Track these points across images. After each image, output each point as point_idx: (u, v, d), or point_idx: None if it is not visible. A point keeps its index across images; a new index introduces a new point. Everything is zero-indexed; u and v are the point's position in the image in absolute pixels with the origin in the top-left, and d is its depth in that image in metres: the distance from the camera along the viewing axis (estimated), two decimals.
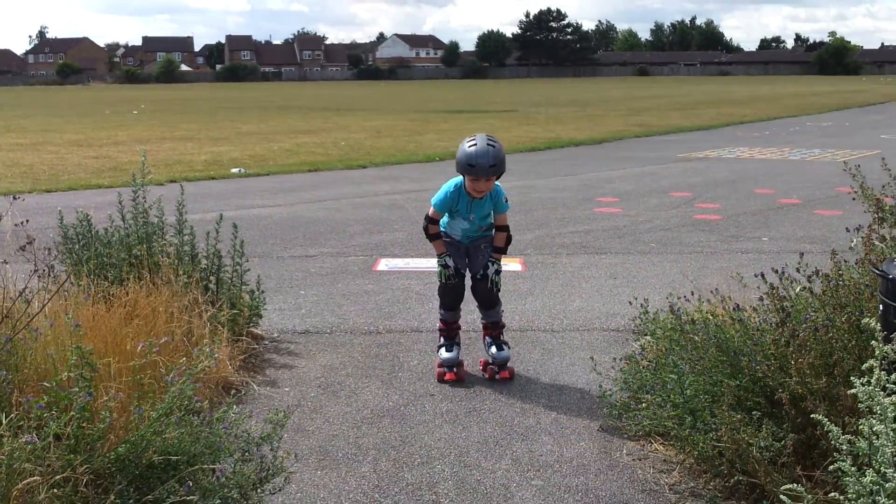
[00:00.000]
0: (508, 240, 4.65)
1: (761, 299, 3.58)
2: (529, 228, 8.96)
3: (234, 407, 2.96)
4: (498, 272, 4.63)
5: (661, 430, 3.65)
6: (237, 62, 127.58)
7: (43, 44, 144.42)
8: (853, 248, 3.94)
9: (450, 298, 4.69)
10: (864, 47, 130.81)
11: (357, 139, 20.90)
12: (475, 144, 4.28)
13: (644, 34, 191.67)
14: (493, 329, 4.74)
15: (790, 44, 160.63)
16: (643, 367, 3.89)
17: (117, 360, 3.54)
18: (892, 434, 2.25)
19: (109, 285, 4.73)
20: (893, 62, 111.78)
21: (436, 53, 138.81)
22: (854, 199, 4.55)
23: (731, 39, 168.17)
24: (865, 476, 2.23)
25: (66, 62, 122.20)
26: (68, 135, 23.07)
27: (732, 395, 3.25)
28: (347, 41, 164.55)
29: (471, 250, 4.68)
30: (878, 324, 2.58)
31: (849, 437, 2.34)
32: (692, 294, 4.24)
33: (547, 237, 8.59)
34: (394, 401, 4.39)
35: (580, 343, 5.28)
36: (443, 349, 4.67)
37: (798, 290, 3.65)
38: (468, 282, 4.74)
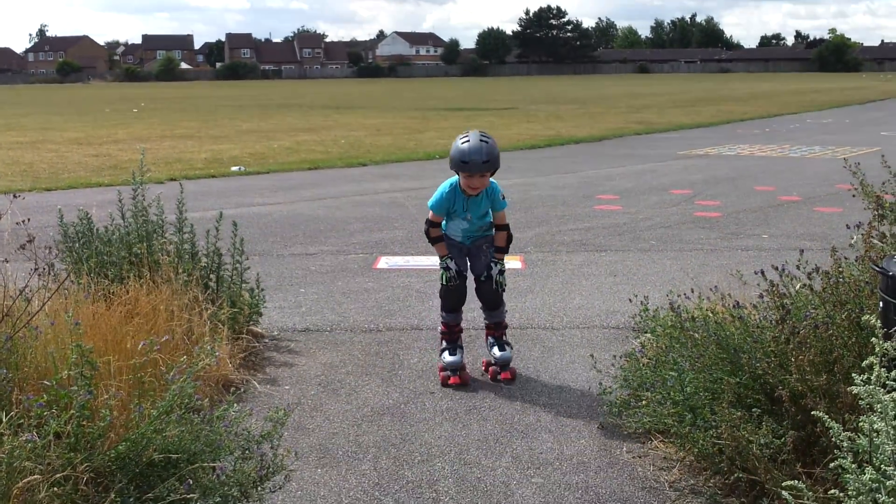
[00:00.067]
0: (509, 238, 4.63)
1: (761, 296, 3.58)
2: (530, 226, 8.96)
3: (235, 405, 2.96)
4: (502, 272, 4.61)
5: (661, 427, 3.65)
6: (237, 60, 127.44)
7: (43, 42, 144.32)
8: (853, 245, 3.94)
9: (452, 301, 4.65)
10: (865, 44, 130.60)
11: (357, 137, 20.89)
12: (468, 141, 4.28)
13: (644, 31, 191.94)
14: (496, 330, 4.72)
15: (790, 41, 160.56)
16: (643, 365, 3.88)
17: (117, 358, 3.54)
18: (892, 432, 2.25)
19: (109, 283, 4.74)
20: (893, 59, 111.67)
21: (436, 51, 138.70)
22: (854, 196, 4.54)
23: (731, 37, 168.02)
24: (865, 473, 2.23)
25: (66, 60, 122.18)
26: (68, 133, 23.07)
27: (732, 393, 3.25)
28: (347, 39, 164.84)
29: (472, 251, 4.66)
30: (878, 321, 2.58)
31: (849, 434, 2.34)
32: (692, 291, 4.24)
33: (547, 235, 8.59)
34: (394, 399, 4.39)
35: (580, 340, 5.28)
36: (446, 353, 4.63)
37: (798, 287, 3.65)
38: (470, 283, 4.72)
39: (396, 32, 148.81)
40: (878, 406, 2.30)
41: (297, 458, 3.56)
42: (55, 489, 2.48)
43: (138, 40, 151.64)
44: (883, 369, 2.36)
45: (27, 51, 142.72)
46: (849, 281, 3.44)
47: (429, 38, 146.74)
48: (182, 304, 4.59)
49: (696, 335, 3.54)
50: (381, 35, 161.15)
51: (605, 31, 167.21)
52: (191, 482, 2.64)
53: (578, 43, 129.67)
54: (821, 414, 2.45)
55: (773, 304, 3.45)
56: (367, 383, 4.61)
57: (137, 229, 5.02)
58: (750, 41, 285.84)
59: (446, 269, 4.57)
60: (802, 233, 8.56)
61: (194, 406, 2.85)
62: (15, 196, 4.09)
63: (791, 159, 15.60)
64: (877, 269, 3.08)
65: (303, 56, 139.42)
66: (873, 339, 2.44)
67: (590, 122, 25.21)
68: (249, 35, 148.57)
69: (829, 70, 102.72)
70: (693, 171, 13.67)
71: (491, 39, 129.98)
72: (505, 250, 4.64)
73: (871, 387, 2.32)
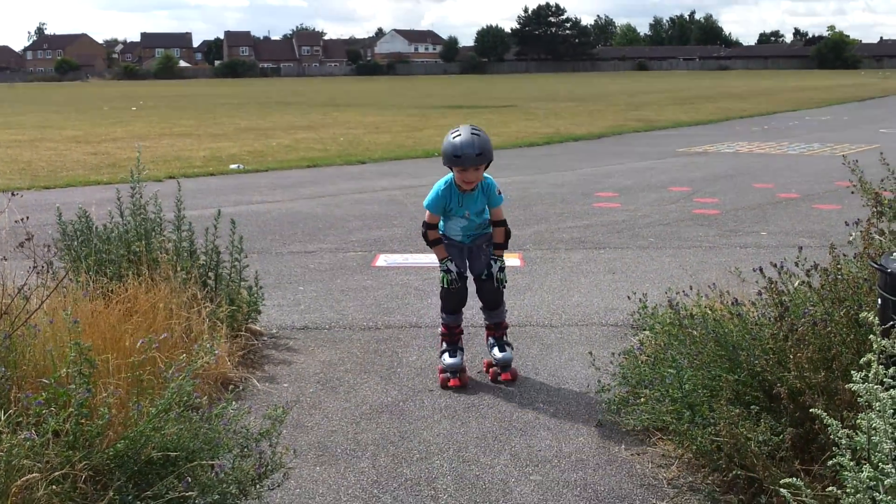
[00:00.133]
0: (507, 234, 4.60)
1: (760, 294, 3.58)
2: (528, 223, 8.96)
3: (233, 403, 2.96)
4: (502, 269, 4.57)
5: (659, 424, 3.65)
6: (236, 58, 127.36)
7: (41, 40, 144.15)
8: (852, 243, 3.94)
9: (453, 303, 4.62)
10: (863, 41, 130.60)
11: (356, 135, 20.88)
12: (459, 135, 4.27)
13: (643, 29, 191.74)
14: (496, 330, 4.69)
15: (789, 38, 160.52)
16: (642, 362, 3.89)
17: (116, 356, 3.54)
18: (890, 430, 2.25)
19: (108, 282, 4.73)
20: (892, 56, 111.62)
21: (434, 49, 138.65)
22: (853, 193, 4.55)
23: (729, 34, 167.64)
24: (863, 471, 2.23)
25: (64, 58, 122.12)
26: (67, 131, 23.05)
27: (731, 390, 3.25)
28: (346, 37, 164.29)
29: (473, 250, 4.63)
30: (877, 318, 2.58)
31: (847, 431, 2.34)
32: (691, 289, 4.25)
33: (546, 232, 8.59)
34: (392, 396, 4.39)
35: (579, 338, 5.28)
36: (446, 354, 4.61)
37: (797, 284, 3.65)
38: (470, 284, 4.70)
39: (395, 30, 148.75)
40: (877, 403, 2.30)
41: (295, 456, 3.55)
42: (54, 487, 2.48)
43: (137, 38, 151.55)
44: (881, 366, 2.36)
45: (26, 49, 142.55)
46: (847, 278, 3.44)
47: (427, 36, 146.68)
48: (181, 302, 4.59)
49: (695, 332, 3.55)
50: (379, 33, 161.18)
51: (603, 28, 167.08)
52: (189, 480, 2.64)
53: (577, 40, 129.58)
54: (819, 411, 2.45)
55: (771, 302, 3.45)
56: (366, 381, 4.61)
57: (136, 227, 5.02)
58: (749, 38, 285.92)
59: (447, 271, 4.52)
60: (801, 230, 8.56)
61: (193, 404, 2.85)
62: (13, 194, 4.10)
63: (790, 156, 15.60)
64: (875, 265, 3.08)
65: (301, 54, 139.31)
66: (871, 336, 2.44)
67: (589, 119, 25.20)
68: (248, 33, 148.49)
69: (827, 67, 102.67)
70: (692, 169, 13.67)
71: (490, 37, 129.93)
72: (504, 246, 4.60)
73: (869, 384, 2.33)
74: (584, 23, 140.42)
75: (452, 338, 4.65)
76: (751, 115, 26.77)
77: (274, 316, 5.72)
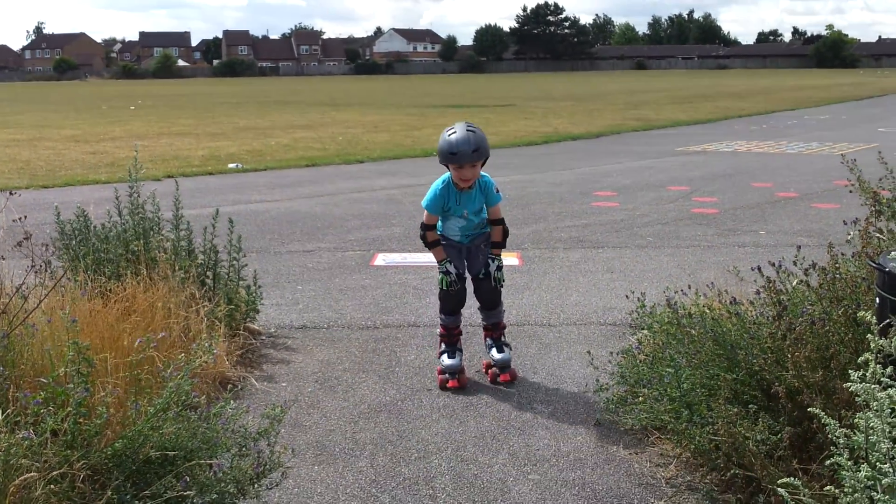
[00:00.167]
0: (505, 233, 4.59)
1: (758, 293, 3.58)
2: (527, 223, 8.96)
3: (232, 402, 2.96)
4: (500, 268, 4.57)
5: (657, 423, 3.65)
6: (234, 57, 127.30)
7: (40, 39, 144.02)
8: (850, 242, 3.94)
9: (452, 304, 4.61)
10: (862, 40, 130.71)
11: (354, 134, 20.88)
12: (455, 133, 4.27)
13: (641, 28, 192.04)
14: (494, 331, 4.69)
15: (787, 37, 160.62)
16: (640, 361, 3.89)
17: (114, 355, 3.54)
18: (888, 429, 2.25)
19: (106, 281, 4.73)
20: (891, 55, 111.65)
21: (433, 48, 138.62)
22: (851, 192, 4.55)
23: (728, 33, 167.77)
24: (861, 470, 2.23)
25: (62, 58, 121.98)
26: (65, 130, 23.03)
27: (729, 389, 3.25)
28: (345, 36, 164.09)
29: (471, 250, 4.62)
30: (875, 317, 2.58)
31: (845, 430, 2.34)
32: (689, 288, 4.25)
33: (544, 231, 8.59)
34: (391, 395, 4.39)
35: (577, 337, 5.28)
36: (444, 355, 4.60)
37: (795, 283, 3.65)
38: (469, 284, 4.69)
39: (394, 29, 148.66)
40: (874, 403, 2.30)
41: (293, 455, 3.55)
42: (52, 486, 2.48)
43: (135, 37, 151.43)
44: (879, 366, 2.36)
45: (24, 48, 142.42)
46: (845, 277, 3.44)
47: (426, 35, 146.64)
48: (179, 301, 4.59)
49: (693, 332, 3.55)
50: (378, 32, 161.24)
51: (602, 27, 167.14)
52: (187, 479, 2.64)
53: (576, 40, 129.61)
54: (817, 410, 2.45)
55: (769, 301, 3.45)
56: (365, 380, 4.61)
57: (134, 227, 5.02)
58: (747, 37, 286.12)
59: (446, 273, 4.51)
60: (799, 229, 8.57)
61: (191, 403, 2.85)
62: (11, 193, 4.10)
63: (788, 155, 15.61)
64: (873, 265, 3.08)
65: (300, 53, 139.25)
66: (869, 335, 2.44)
67: (587, 118, 25.21)
68: (247, 32, 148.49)
69: (826, 66, 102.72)
70: (690, 168, 13.67)
71: (488, 36, 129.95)
72: (502, 245, 4.59)
73: (867, 383, 2.33)
74: (582, 22, 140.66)
75: (451, 339, 4.64)
76: (749, 115, 26.78)
77: (272, 315, 5.71)
